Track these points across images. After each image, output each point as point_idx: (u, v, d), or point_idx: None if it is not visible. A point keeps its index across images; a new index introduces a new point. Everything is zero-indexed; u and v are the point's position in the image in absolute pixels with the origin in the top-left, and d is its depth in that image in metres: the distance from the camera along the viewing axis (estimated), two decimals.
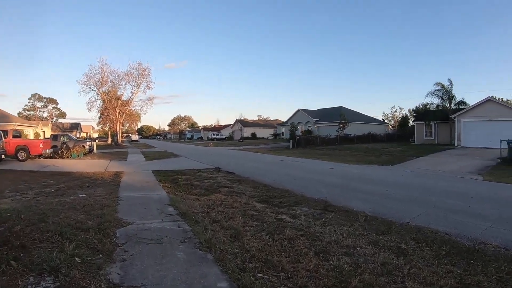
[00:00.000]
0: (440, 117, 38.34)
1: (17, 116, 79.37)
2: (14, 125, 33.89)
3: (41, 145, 20.20)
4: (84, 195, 9.30)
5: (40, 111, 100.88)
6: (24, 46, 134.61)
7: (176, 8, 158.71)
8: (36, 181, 12.19)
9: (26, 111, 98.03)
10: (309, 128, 57.84)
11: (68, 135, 31.80)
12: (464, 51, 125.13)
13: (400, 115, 77.49)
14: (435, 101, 38.97)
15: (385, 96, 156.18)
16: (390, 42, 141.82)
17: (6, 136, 19.82)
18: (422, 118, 42.29)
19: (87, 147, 28.94)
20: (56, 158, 22.64)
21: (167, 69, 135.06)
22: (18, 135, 21.65)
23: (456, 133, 34.48)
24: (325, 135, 45.14)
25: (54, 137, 30.26)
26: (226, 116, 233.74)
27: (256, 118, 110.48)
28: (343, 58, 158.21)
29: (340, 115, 49.07)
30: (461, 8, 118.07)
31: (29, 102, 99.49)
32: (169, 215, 6.94)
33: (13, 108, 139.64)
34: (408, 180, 13.37)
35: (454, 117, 34.49)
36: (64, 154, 23.42)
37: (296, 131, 50.84)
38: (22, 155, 19.75)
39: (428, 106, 43.40)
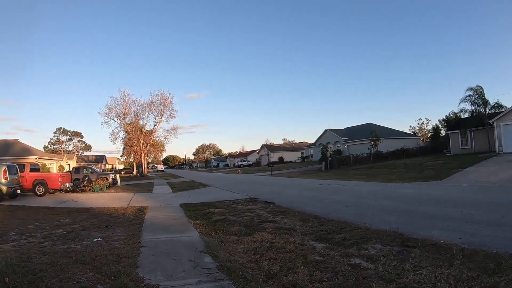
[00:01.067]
0: (475, 124, 36.11)
1: (43, 150, 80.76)
2: (36, 158, 33.39)
3: (60, 179, 19.00)
4: (99, 239, 7.65)
5: (65, 145, 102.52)
6: (49, 81, 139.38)
7: (194, 39, 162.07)
8: (49, 220, 10.78)
9: (52, 145, 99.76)
10: (339, 148, 55.62)
11: (90, 167, 30.82)
12: (487, 54, 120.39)
13: (428, 127, 75.51)
14: (468, 107, 36.63)
15: (410, 110, 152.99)
16: (413, 53, 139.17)
17: (24, 170, 18.76)
18: (456, 127, 40.23)
19: (110, 180, 27.75)
20: (77, 192, 21.46)
21: (189, 99, 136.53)
22: (36, 168, 20.65)
23: (496, 139, 32.10)
24: (356, 153, 43.15)
25: (76, 170, 29.28)
26: (250, 142, 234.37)
27: (281, 142, 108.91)
28: (366, 75, 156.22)
29: (370, 132, 47.32)
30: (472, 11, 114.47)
31: (54, 136, 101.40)
32: (206, 269, 5.12)
33: (39, 143, 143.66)
34: (474, 196, 11.68)
35: (493, 122, 32.12)
36: (86, 187, 22.24)
37: (322, 152, 48.75)
38: (40, 189, 18.56)
39: (459, 114, 41.28)
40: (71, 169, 34.27)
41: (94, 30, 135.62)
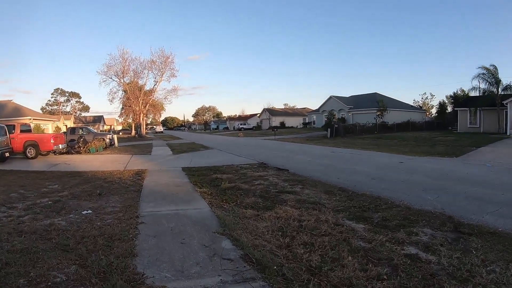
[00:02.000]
0: (486, 104, 34.82)
1: (41, 111, 79.02)
2: (30, 119, 31.89)
3: (52, 140, 17.58)
4: (89, 211, 6.40)
5: (63, 106, 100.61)
6: (46, 41, 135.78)
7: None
8: (36, 186, 9.51)
9: (49, 106, 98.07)
10: (343, 116, 54.08)
11: (86, 127, 29.37)
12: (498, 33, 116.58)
13: (433, 102, 75.85)
14: (481, 85, 35.19)
15: (415, 83, 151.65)
16: (421, 28, 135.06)
17: (13, 131, 17.33)
18: (465, 104, 39.10)
19: (107, 141, 26.40)
20: (72, 153, 20.18)
21: (190, 61, 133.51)
22: (27, 129, 19.20)
23: (508, 121, 30.81)
24: (362, 123, 41.86)
25: (72, 130, 27.82)
26: (251, 105, 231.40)
27: (283, 107, 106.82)
28: (372, 44, 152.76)
29: (377, 101, 46.52)
30: None
31: (51, 97, 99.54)
32: (228, 260, 3.88)
33: (38, 105, 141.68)
34: (509, 179, 10.15)
35: (506, 103, 30.84)
36: (81, 149, 20.92)
37: (328, 119, 47.41)
38: (31, 152, 17.25)
39: (467, 92, 40.40)
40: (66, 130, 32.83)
41: None
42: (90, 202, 7.32)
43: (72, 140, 23.55)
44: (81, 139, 21.94)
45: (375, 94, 55.99)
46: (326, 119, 50.14)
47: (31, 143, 17.34)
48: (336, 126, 37.47)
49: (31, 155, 17.21)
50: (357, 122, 42.16)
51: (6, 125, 16.88)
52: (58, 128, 45.14)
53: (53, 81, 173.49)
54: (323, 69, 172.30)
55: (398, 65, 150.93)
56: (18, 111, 34.39)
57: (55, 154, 19.40)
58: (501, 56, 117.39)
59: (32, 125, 32.78)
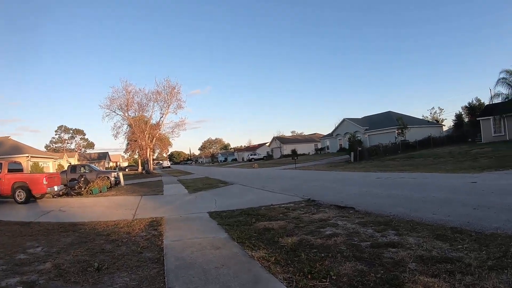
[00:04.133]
0: (510, 110, 32.72)
1: (45, 149, 77.19)
2: (27, 156, 29.39)
3: (45, 181, 14.81)
4: None
5: (67, 143, 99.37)
6: (51, 79, 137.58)
7: (193, 36, 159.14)
8: (11, 249, 6.90)
9: (53, 144, 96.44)
10: (359, 138, 51.54)
11: (89, 165, 26.73)
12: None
13: (442, 116, 74.52)
14: (504, 90, 33.61)
15: (420, 99, 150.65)
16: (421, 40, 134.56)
17: (0, 171, 14.68)
18: (487, 113, 37.25)
19: (112, 179, 23.73)
20: (72, 195, 17.45)
21: (192, 96, 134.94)
22: (17, 168, 16.46)
23: None
24: (383, 143, 39.95)
25: (72, 168, 25.22)
26: (257, 135, 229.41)
27: (290, 134, 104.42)
28: (374, 62, 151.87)
29: (396, 119, 44.89)
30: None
31: (55, 134, 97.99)
32: None
33: (44, 143, 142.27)
34: None
35: None
36: (83, 189, 18.20)
37: (351, 142, 44.81)
38: (20, 195, 14.54)
39: (492, 98, 37.93)
40: (66, 167, 30.21)
41: (97, 22, 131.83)
42: (82, 286, 4.53)
43: (73, 180, 20.94)
44: (82, 179, 19.23)
45: (389, 112, 54.33)
46: (348, 142, 47.96)
47: (20, 185, 14.64)
48: (359, 149, 35.06)
49: (20, 199, 14.49)
50: (380, 143, 39.66)
51: None
52: (60, 166, 42.71)
53: (58, 119, 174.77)
54: (330, 93, 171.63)
55: (404, 82, 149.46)
56: (16, 148, 32.04)
57: (54, 197, 16.72)
58: None
59: (29, 163, 30.56)
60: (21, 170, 16.92)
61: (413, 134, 43.45)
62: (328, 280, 4.09)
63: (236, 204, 11.40)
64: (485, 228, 5.95)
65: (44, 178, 14.91)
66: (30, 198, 14.87)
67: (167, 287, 4.31)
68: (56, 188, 15.87)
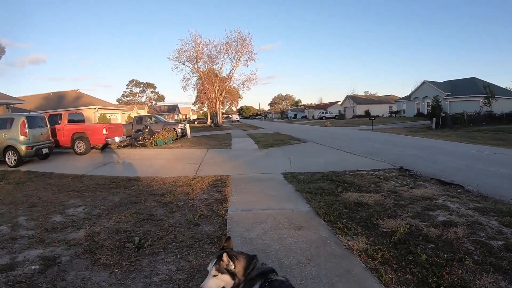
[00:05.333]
0: None
1: (117, 102, 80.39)
2: (95, 108, 29.77)
3: (105, 131, 14.20)
4: None
5: (138, 97, 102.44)
6: (122, 34, 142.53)
7: None
8: (50, 208, 6.01)
9: (125, 97, 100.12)
10: (439, 104, 46.83)
11: (156, 116, 26.28)
12: None
13: None
14: None
15: (506, 67, 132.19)
16: None
17: (59, 122, 14.29)
18: None
19: (179, 130, 23.06)
20: (136, 146, 16.88)
21: (263, 51, 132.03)
22: (77, 119, 16.12)
23: None
24: (469, 112, 35.10)
25: (139, 119, 25.00)
26: (328, 93, 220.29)
27: (363, 94, 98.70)
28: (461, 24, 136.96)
29: (484, 87, 40.02)
30: None
31: (127, 88, 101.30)
32: None
33: (116, 96, 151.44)
34: None
35: None
36: (147, 141, 17.56)
37: (433, 106, 40.76)
38: (80, 146, 14.14)
39: None
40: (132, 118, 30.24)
41: None
42: (112, 273, 3.23)
43: (138, 131, 20.50)
44: (147, 130, 18.61)
45: (473, 78, 47.94)
46: (428, 107, 43.65)
47: (80, 135, 14.19)
48: (443, 115, 31.51)
49: (80, 150, 14.13)
50: (465, 111, 35.26)
51: (50, 115, 13.91)
52: (130, 118, 43.64)
53: (130, 74, 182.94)
54: (406, 53, 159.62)
55: (489, 48, 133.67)
56: (82, 100, 32.77)
57: (118, 148, 16.27)
58: None
59: (97, 115, 31.07)
60: (82, 120, 16.57)
61: (499, 106, 38.52)
62: None
63: (314, 166, 9.72)
64: None
65: (104, 129, 14.30)
66: (90, 149, 14.47)
67: None
68: (117, 139, 15.28)
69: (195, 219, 4.96)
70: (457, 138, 19.39)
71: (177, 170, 9.72)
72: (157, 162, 11.70)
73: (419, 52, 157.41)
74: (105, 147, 15.59)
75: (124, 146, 17.09)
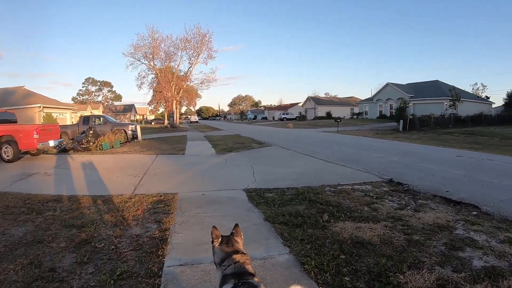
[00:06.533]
0: None
1: (72, 101, 75.87)
2: (39, 107, 26.88)
3: (35, 134, 11.89)
4: None
5: (94, 95, 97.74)
6: (80, 31, 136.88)
7: None
8: None
9: (81, 96, 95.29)
10: (406, 106, 47.38)
11: (104, 116, 23.73)
12: None
13: (484, 93, 69.78)
14: None
15: (464, 71, 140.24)
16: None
17: None
18: None
19: (129, 132, 20.91)
20: (79, 151, 14.70)
21: (224, 52, 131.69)
22: (8, 119, 13.55)
23: None
24: (436, 114, 35.88)
25: (85, 119, 22.44)
26: (289, 95, 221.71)
27: (324, 96, 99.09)
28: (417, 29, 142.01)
29: (449, 89, 40.78)
30: None
31: (82, 87, 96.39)
32: None
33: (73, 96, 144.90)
34: None
35: None
36: (91, 144, 15.44)
37: (400, 108, 40.92)
38: (7, 152, 11.73)
39: None
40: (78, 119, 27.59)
41: None
42: None
43: (84, 133, 18.21)
44: (91, 132, 16.39)
45: (436, 81, 49.19)
46: (391, 109, 44.23)
47: (8, 139, 11.83)
48: (411, 117, 31.34)
49: (7, 156, 11.72)
50: (432, 113, 35.40)
51: None
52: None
53: (88, 71, 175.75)
54: (367, 56, 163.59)
55: (450, 51, 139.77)
56: (28, 98, 29.61)
57: (59, 153, 14.12)
58: None
59: (42, 114, 28.11)
60: (14, 121, 14.03)
61: (463, 109, 39.39)
62: None
63: (283, 178, 8.13)
64: None
65: (35, 131, 11.95)
66: (19, 155, 12.13)
67: None
68: (52, 143, 12.93)
69: (111, 281, 3.20)
70: (428, 141, 18.69)
71: (114, 184, 7.81)
72: (94, 172, 9.65)
73: (379, 55, 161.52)
74: (39, 152, 13.30)
75: (66, 150, 14.88)
